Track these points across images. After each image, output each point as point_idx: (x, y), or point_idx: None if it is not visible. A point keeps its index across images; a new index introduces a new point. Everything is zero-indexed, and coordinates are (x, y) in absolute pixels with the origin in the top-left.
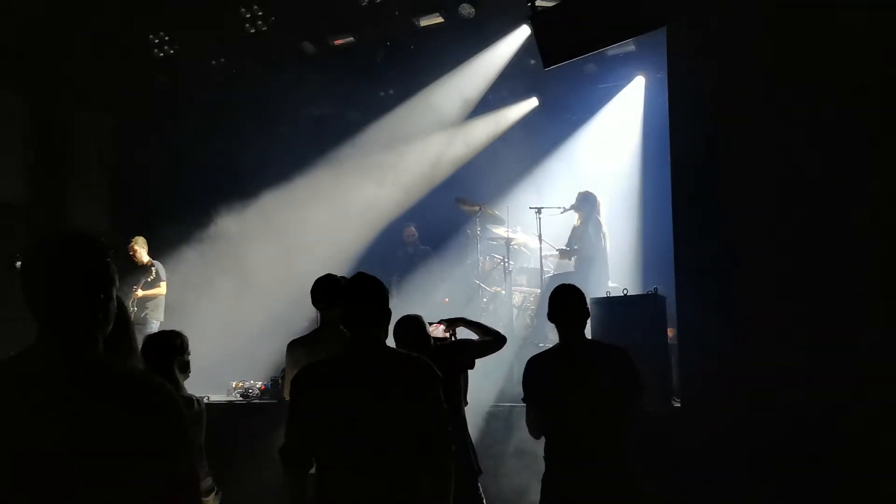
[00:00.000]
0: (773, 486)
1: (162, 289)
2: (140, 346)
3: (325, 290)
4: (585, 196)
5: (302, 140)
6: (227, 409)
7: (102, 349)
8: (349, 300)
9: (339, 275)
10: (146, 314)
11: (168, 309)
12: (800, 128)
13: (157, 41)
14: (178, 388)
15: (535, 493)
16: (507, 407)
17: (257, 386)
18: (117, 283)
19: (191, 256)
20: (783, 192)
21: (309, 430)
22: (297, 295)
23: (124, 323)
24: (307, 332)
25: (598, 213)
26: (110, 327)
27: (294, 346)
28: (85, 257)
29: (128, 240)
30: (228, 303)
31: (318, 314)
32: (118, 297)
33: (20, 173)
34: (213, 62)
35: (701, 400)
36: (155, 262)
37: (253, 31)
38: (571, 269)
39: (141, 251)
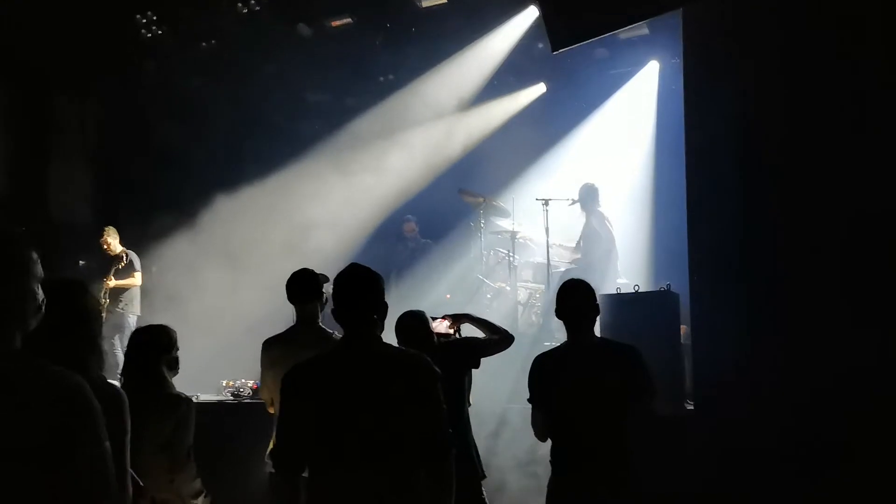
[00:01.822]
0: (787, 492)
1: (136, 279)
2: (127, 343)
3: (302, 285)
4: (585, 189)
5: (297, 128)
6: (218, 408)
7: (20, 344)
8: (342, 294)
9: (332, 269)
10: (122, 307)
11: (155, 303)
12: (827, 119)
13: (144, 21)
14: (166, 385)
15: (542, 496)
16: (512, 409)
17: (248, 385)
18: (36, 275)
19: (179, 248)
20: (806, 187)
21: (301, 432)
22: None
23: (84, 319)
24: (282, 331)
25: (598, 204)
26: (32, 322)
27: (270, 346)
28: None
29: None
30: (219, 297)
31: (294, 310)
32: (90, 301)
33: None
34: (204, 44)
35: (715, 403)
36: (129, 251)
37: (246, 11)
38: (579, 264)
39: (113, 241)
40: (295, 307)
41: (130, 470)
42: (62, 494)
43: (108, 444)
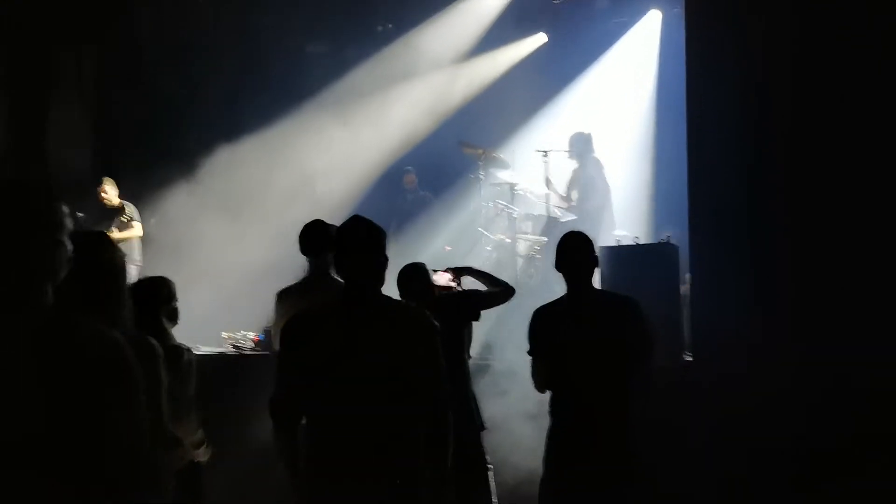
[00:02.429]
0: (781, 443)
1: (137, 230)
2: None
3: (315, 237)
4: (577, 137)
5: (295, 79)
6: (218, 361)
7: (52, 297)
8: (343, 246)
9: (331, 221)
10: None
11: (155, 254)
12: (838, 70)
13: None
14: (167, 337)
15: (541, 448)
16: (511, 360)
17: (249, 337)
18: (67, 228)
19: (179, 199)
20: (812, 139)
21: (298, 382)
22: (292, 241)
23: (112, 272)
24: (297, 281)
25: (592, 151)
26: (60, 275)
27: (284, 296)
28: (27, 202)
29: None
30: (219, 248)
31: (308, 262)
32: (116, 254)
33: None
34: None
35: (713, 354)
36: (127, 202)
37: None
38: (574, 213)
39: (111, 192)
40: (308, 258)
41: (172, 426)
42: (98, 450)
43: (143, 398)
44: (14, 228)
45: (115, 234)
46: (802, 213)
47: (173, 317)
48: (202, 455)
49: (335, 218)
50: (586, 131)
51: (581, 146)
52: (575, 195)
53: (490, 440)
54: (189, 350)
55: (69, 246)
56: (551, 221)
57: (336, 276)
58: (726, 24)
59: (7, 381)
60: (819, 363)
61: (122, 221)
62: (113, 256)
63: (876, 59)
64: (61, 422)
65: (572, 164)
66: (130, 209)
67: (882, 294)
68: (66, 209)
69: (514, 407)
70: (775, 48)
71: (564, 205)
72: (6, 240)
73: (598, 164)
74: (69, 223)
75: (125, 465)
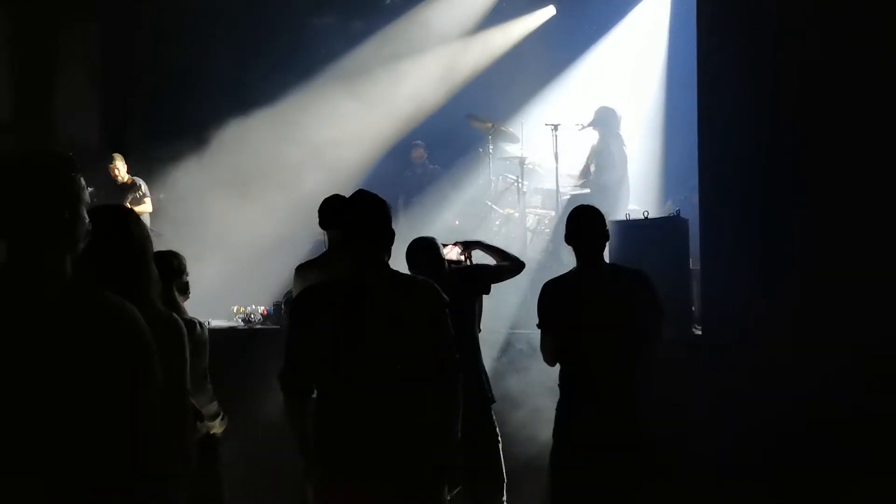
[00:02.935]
0: (785, 418)
1: (148, 205)
2: None
3: (335, 210)
4: (605, 111)
5: (303, 50)
6: (230, 334)
7: (70, 270)
8: (349, 220)
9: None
10: None
11: (164, 229)
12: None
13: None
14: (180, 310)
15: (550, 421)
16: (521, 334)
17: (259, 311)
18: (85, 200)
19: (188, 174)
20: (820, 118)
21: (308, 355)
22: (302, 214)
23: (136, 244)
24: (317, 256)
25: (619, 128)
26: (80, 246)
27: (304, 270)
28: (46, 174)
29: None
30: (228, 222)
31: (326, 236)
32: (140, 226)
33: (4, 87)
34: None
35: (722, 328)
36: (137, 178)
37: None
38: (591, 188)
39: (121, 169)
40: (327, 232)
41: (191, 399)
42: (111, 425)
43: (156, 377)
44: (35, 199)
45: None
46: (813, 189)
47: (184, 290)
48: (217, 427)
49: (343, 192)
50: (611, 106)
51: (607, 120)
52: (593, 168)
53: (507, 412)
54: (202, 324)
55: (87, 218)
56: (562, 195)
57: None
58: None
59: (24, 351)
60: (827, 340)
61: (135, 197)
62: (135, 229)
63: (893, 32)
64: (74, 391)
65: (590, 138)
66: (142, 184)
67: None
68: (83, 181)
69: (531, 380)
70: (788, 21)
71: (578, 179)
72: (27, 210)
73: (620, 141)
74: (87, 195)
75: (135, 440)
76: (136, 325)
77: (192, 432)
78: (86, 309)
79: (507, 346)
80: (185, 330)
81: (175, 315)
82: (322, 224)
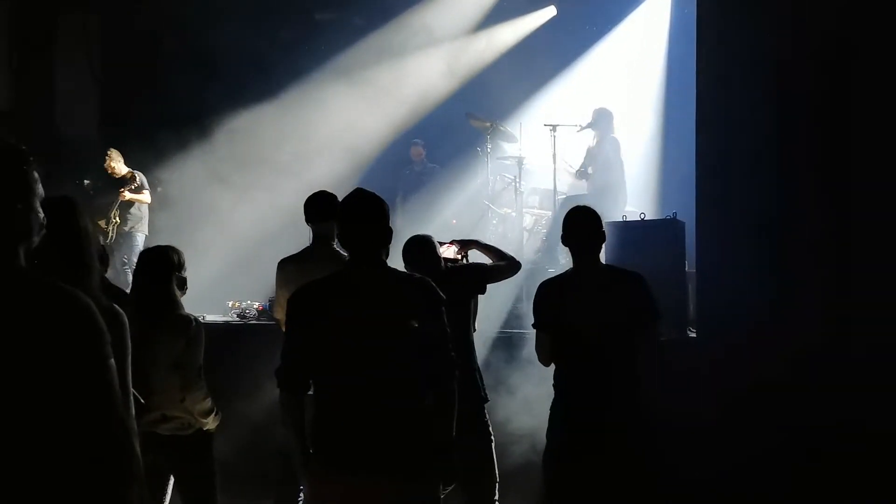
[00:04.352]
0: (779, 422)
1: (146, 197)
2: (135, 261)
3: (318, 206)
4: (601, 112)
5: (303, 46)
6: (224, 329)
7: (25, 261)
8: (346, 218)
9: (338, 191)
10: (131, 227)
11: (160, 223)
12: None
13: None
14: (178, 306)
15: (543, 421)
16: (516, 334)
17: (254, 306)
18: (38, 193)
19: (186, 167)
20: (818, 122)
21: (305, 351)
22: (299, 209)
23: (77, 236)
24: (298, 251)
25: (613, 130)
26: (34, 239)
27: (284, 265)
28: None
29: (117, 146)
30: (225, 217)
31: (311, 231)
32: (81, 219)
33: (4, 79)
34: None
35: (717, 330)
36: (136, 171)
37: None
38: (586, 190)
39: (118, 163)
40: (311, 227)
41: (132, 389)
42: (68, 413)
43: (112, 362)
44: None
45: (127, 195)
46: (810, 192)
47: (182, 285)
48: (211, 423)
49: (342, 188)
50: (607, 108)
51: (603, 122)
52: (591, 170)
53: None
54: (197, 320)
55: (41, 211)
56: (558, 196)
57: (337, 247)
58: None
59: None
60: (823, 343)
61: (132, 189)
62: (78, 221)
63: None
64: (26, 381)
65: (587, 139)
66: (140, 176)
67: (887, 276)
68: (36, 174)
69: (525, 380)
70: (788, 24)
71: (578, 179)
72: None
73: (616, 143)
74: (41, 189)
75: (95, 427)
76: (89, 313)
77: (133, 422)
78: (37, 298)
79: (501, 346)
80: (126, 320)
81: (114, 304)
82: (307, 219)
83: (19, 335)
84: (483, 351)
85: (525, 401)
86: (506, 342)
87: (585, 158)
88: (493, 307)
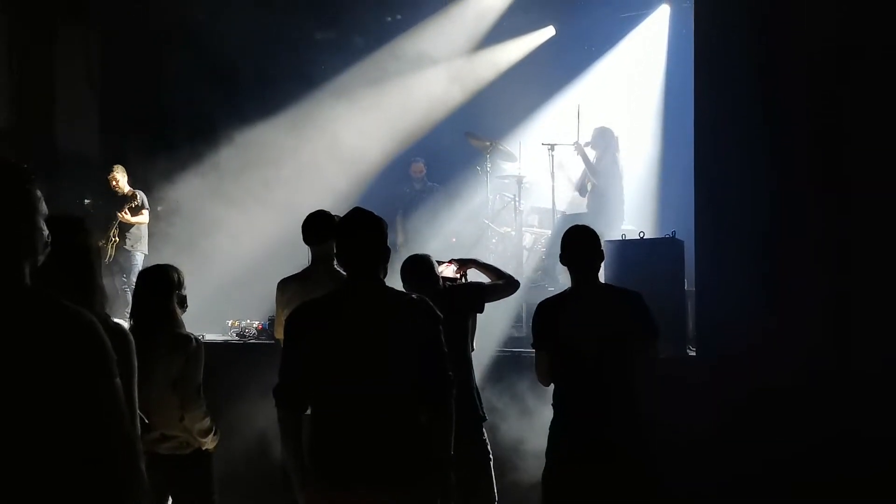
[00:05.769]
0: (780, 440)
1: (145, 217)
2: (134, 281)
3: (317, 227)
4: (602, 131)
5: (304, 65)
6: (224, 348)
7: (30, 279)
8: (345, 237)
9: (338, 210)
10: (131, 246)
11: (160, 242)
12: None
13: None
14: (178, 324)
15: (541, 440)
16: (515, 353)
17: (254, 325)
18: (42, 211)
19: (186, 186)
20: (816, 138)
21: (303, 370)
22: (297, 230)
23: (84, 255)
24: (298, 271)
25: (616, 149)
26: (39, 257)
27: (285, 285)
28: (1, 186)
29: (116, 162)
30: (225, 236)
31: (310, 251)
32: (88, 238)
33: (4, 96)
34: None
35: (717, 350)
36: (138, 191)
37: None
38: (585, 209)
39: (122, 180)
40: (310, 248)
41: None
42: (73, 431)
43: (118, 380)
44: None
45: (127, 216)
46: (810, 210)
47: (182, 304)
48: (210, 443)
49: (342, 207)
50: (610, 128)
51: (605, 141)
52: (589, 187)
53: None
54: (198, 339)
55: (45, 229)
56: (558, 215)
57: (337, 267)
58: (735, 18)
59: None
60: (823, 360)
61: (132, 208)
62: (85, 240)
63: (888, 51)
64: (32, 399)
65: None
66: (141, 196)
67: (886, 293)
68: (39, 193)
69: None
70: (785, 43)
71: (576, 190)
72: None
73: (614, 161)
74: (44, 207)
75: (101, 446)
76: (94, 331)
77: (138, 441)
78: (42, 316)
79: (500, 365)
80: (132, 340)
81: (119, 323)
82: (305, 239)
83: (24, 353)
84: (482, 370)
85: (524, 419)
86: (505, 361)
87: (583, 175)
88: (492, 326)
